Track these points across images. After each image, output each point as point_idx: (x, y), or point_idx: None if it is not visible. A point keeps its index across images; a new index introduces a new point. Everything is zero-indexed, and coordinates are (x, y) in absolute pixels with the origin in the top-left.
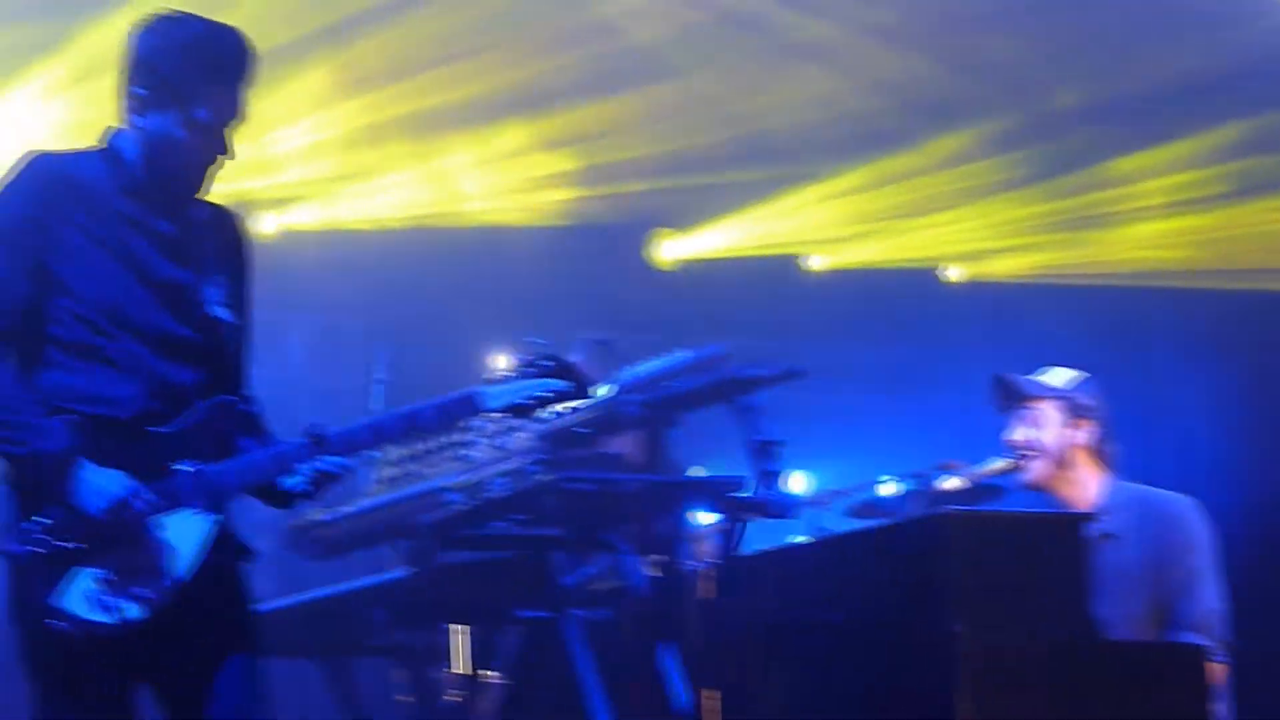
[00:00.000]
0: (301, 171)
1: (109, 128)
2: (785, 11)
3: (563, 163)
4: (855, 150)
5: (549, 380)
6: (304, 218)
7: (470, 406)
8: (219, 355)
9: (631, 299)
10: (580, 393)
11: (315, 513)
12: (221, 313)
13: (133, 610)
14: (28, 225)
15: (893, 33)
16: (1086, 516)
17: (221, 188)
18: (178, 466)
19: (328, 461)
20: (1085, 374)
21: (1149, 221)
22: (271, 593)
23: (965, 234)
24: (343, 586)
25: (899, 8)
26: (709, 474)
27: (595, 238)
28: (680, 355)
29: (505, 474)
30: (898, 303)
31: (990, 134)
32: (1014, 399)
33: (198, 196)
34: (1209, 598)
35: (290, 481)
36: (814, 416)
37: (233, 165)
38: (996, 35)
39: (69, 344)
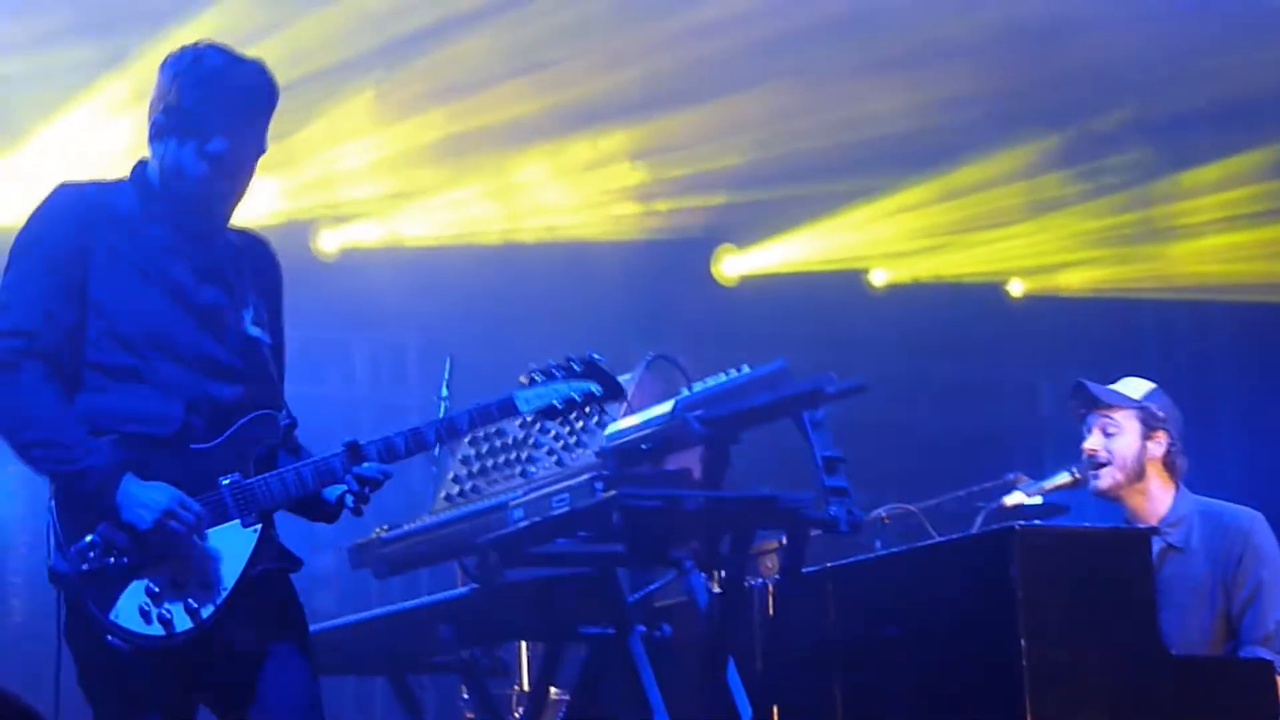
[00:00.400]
0: (364, 189)
1: (141, 159)
2: (850, 27)
3: (628, 178)
4: (920, 164)
5: (580, 383)
6: (367, 235)
7: (505, 410)
8: (256, 373)
9: (695, 314)
10: (611, 394)
11: (379, 530)
12: (257, 333)
13: (183, 623)
14: (67, 249)
15: (958, 47)
16: (1153, 530)
17: (286, 206)
18: (221, 480)
19: (368, 468)
20: (1157, 386)
21: (1214, 235)
22: (336, 610)
23: (1030, 248)
24: (408, 604)
25: (965, 22)
26: (773, 490)
27: (660, 252)
28: (744, 370)
29: (568, 490)
30: (962, 317)
31: (1054, 148)
32: (1092, 407)
33: (225, 226)
34: (1276, 611)
35: (332, 492)
36: (879, 431)
37: (296, 184)
38: (1061, 49)
39: (108, 366)
